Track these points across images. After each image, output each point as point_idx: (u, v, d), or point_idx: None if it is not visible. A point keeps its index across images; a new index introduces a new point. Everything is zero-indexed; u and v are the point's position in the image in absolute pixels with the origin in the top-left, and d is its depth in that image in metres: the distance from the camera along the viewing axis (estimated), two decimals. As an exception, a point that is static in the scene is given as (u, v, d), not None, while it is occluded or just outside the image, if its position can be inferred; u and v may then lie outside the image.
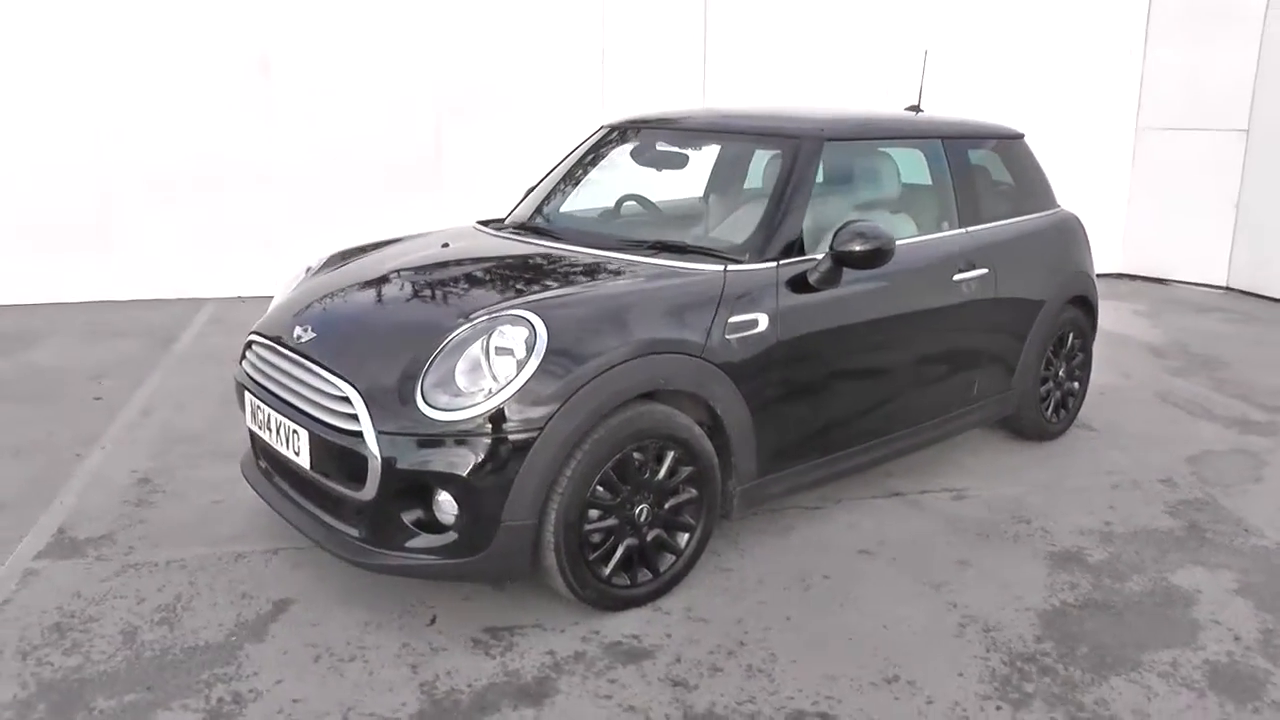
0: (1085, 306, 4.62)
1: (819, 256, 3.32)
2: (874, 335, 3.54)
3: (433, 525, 2.76)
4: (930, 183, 4.01)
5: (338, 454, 2.78)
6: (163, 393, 5.07)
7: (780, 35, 7.88)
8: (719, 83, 7.78)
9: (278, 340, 3.14)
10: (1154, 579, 3.30)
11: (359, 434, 2.71)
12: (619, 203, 4.12)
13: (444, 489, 2.69)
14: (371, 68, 7.20)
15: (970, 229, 3.99)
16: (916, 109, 4.73)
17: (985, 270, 3.94)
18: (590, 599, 2.91)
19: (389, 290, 3.27)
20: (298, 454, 2.91)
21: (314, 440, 2.83)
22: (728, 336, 3.07)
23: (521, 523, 2.71)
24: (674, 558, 3.07)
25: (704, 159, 4.42)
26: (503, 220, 4.17)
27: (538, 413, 2.67)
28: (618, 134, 4.27)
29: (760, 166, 4.07)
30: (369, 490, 2.71)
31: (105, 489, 3.89)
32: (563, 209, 4.04)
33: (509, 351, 2.72)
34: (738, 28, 7.80)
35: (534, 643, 2.83)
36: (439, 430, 2.66)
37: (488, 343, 2.74)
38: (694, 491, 3.05)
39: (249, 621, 2.93)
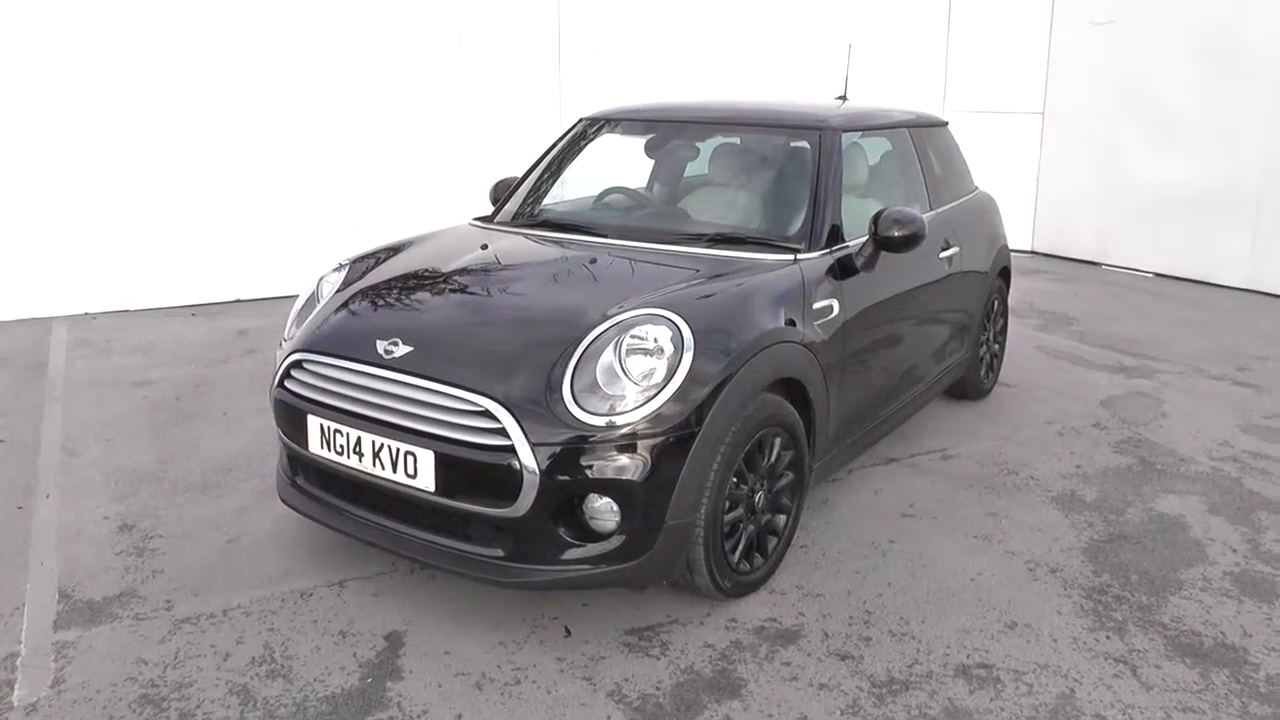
0: (1006, 276, 5.14)
1: (854, 242, 3.51)
2: (896, 310, 3.78)
3: (587, 534, 2.69)
4: (906, 168, 4.31)
5: (479, 473, 2.63)
6: (75, 428, 4.45)
7: (641, 35, 8.02)
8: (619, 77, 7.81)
9: (354, 358, 2.90)
10: (1144, 510, 3.79)
11: (507, 449, 2.58)
12: (602, 194, 4.13)
13: (607, 495, 2.62)
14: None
15: (938, 210, 4.34)
16: (843, 99, 5.02)
17: (956, 248, 4.30)
18: (726, 589, 2.94)
19: (473, 295, 3.10)
20: (413, 477, 2.71)
21: (443, 461, 2.65)
22: (814, 323, 3.19)
23: (681, 521, 2.71)
24: (775, 540, 3.16)
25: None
26: (494, 217, 4.04)
27: (696, 410, 2.67)
28: (598, 126, 4.24)
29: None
30: (521, 506, 2.59)
31: (86, 542, 3.41)
32: (594, 202, 3.99)
33: (657, 351, 2.69)
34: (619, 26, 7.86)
35: (684, 638, 2.84)
36: (599, 436, 2.60)
37: (631, 343, 2.70)
38: (792, 474, 3.16)
39: (371, 661, 2.71)
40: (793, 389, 3.12)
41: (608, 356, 2.69)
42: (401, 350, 2.82)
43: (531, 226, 3.81)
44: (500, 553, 2.70)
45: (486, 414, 2.62)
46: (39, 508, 3.68)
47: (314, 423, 2.93)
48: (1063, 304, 7.23)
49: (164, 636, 2.83)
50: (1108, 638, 2.92)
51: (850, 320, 3.40)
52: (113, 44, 6.19)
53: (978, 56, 9.43)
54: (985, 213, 4.94)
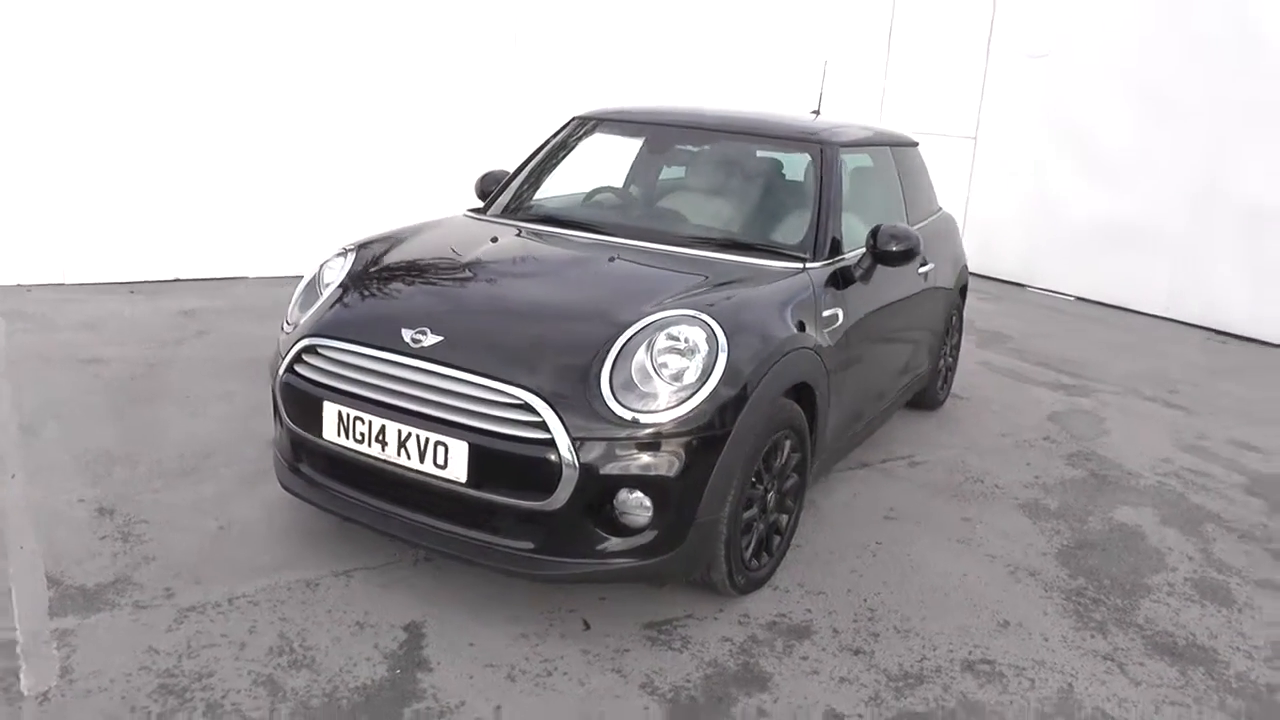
0: (964, 294, 5.36)
1: (851, 254, 3.64)
2: (885, 321, 3.92)
3: (617, 528, 2.71)
4: (889, 185, 4.46)
5: (515, 465, 2.63)
6: (29, 406, 4.23)
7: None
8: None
9: (377, 345, 2.86)
10: (1104, 520, 4.03)
11: (546, 442, 2.59)
12: (593, 192, 4.18)
13: (641, 491, 2.66)
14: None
15: (916, 227, 4.51)
16: (816, 113, 5.17)
17: (931, 265, 4.48)
18: (740, 586, 3.01)
19: (498, 288, 3.09)
20: (442, 468, 2.69)
21: (477, 453, 2.64)
22: (824, 330, 3.29)
23: (710, 518, 2.76)
24: (778, 538, 3.25)
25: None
26: (488, 209, 4.03)
27: (729, 411, 2.73)
28: (591, 126, 4.27)
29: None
30: (557, 499, 2.61)
31: (65, 526, 3.26)
32: (584, 200, 4.01)
33: (693, 351, 2.74)
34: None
35: (703, 633, 2.89)
36: (637, 432, 2.63)
37: (667, 343, 2.74)
38: (796, 476, 3.25)
39: (394, 651, 2.68)
40: (800, 393, 3.21)
41: (644, 355, 2.73)
42: (430, 340, 2.79)
43: (534, 221, 3.81)
44: (530, 545, 2.70)
45: (525, 407, 2.62)
46: (5, 488, 3.49)
47: (330, 409, 2.88)
48: (996, 322, 7.56)
49: (170, 625, 2.74)
50: (1092, 637, 3.10)
51: (852, 328, 3.52)
52: (47, 8, 5.89)
53: (915, 79, 9.79)
54: (950, 232, 5.16)
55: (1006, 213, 9.22)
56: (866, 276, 3.66)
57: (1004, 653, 2.95)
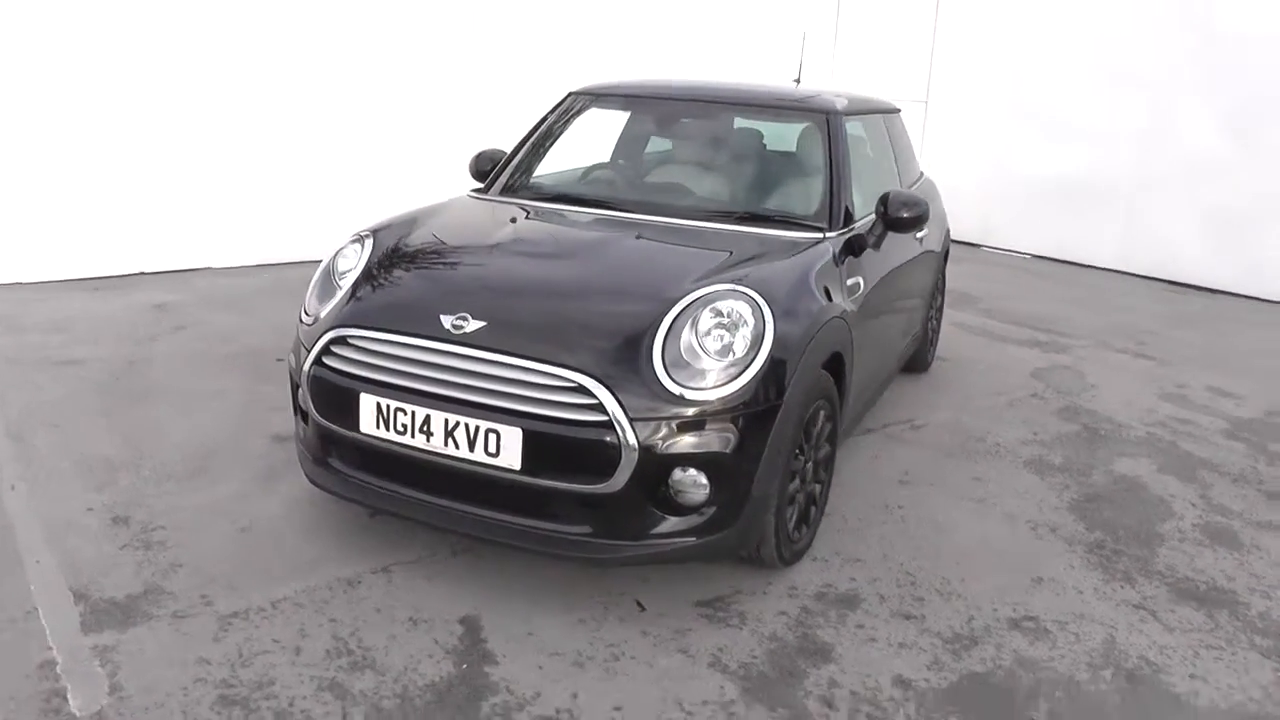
0: (947, 257, 5.44)
1: (861, 221, 3.66)
2: (893, 286, 3.96)
3: (673, 508, 2.70)
4: (883, 152, 4.49)
5: (572, 449, 2.60)
6: (13, 411, 4.05)
7: None
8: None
9: (415, 333, 2.78)
10: (1107, 472, 4.14)
11: (603, 424, 2.57)
12: (591, 168, 4.14)
13: (699, 468, 2.65)
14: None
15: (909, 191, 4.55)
16: (797, 82, 5.18)
17: (926, 229, 4.52)
18: (786, 558, 3.03)
19: (532, 269, 3.04)
20: (494, 455, 2.64)
21: (531, 439, 2.60)
22: (849, 298, 3.31)
23: (764, 492, 2.77)
24: (813, 509, 3.27)
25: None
26: (489, 189, 3.96)
27: (779, 384, 2.74)
28: (589, 101, 4.21)
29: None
30: (616, 481, 2.58)
31: (79, 536, 3.13)
32: (582, 176, 3.94)
33: (742, 325, 2.73)
34: None
35: (756, 607, 2.91)
36: (694, 409, 2.62)
37: (715, 318, 2.73)
38: (829, 446, 3.27)
39: (456, 647, 2.64)
40: (832, 362, 3.23)
41: (692, 331, 2.71)
42: (473, 325, 2.73)
43: (545, 200, 3.74)
44: (587, 529, 2.68)
45: (580, 389, 2.59)
46: (7, 499, 3.34)
47: (368, 401, 2.80)
48: (961, 283, 7.68)
49: (216, 634, 2.65)
50: (1121, 587, 3.19)
51: (870, 293, 3.54)
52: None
53: (865, 42, 9.84)
54: (934, 196, 5.20)
55: (960, 175, 9.35)
56: (878, 243, 3.69)
57: (1044, 609, 3.03)
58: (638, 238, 3.26)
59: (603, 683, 2.52)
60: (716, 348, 2.71)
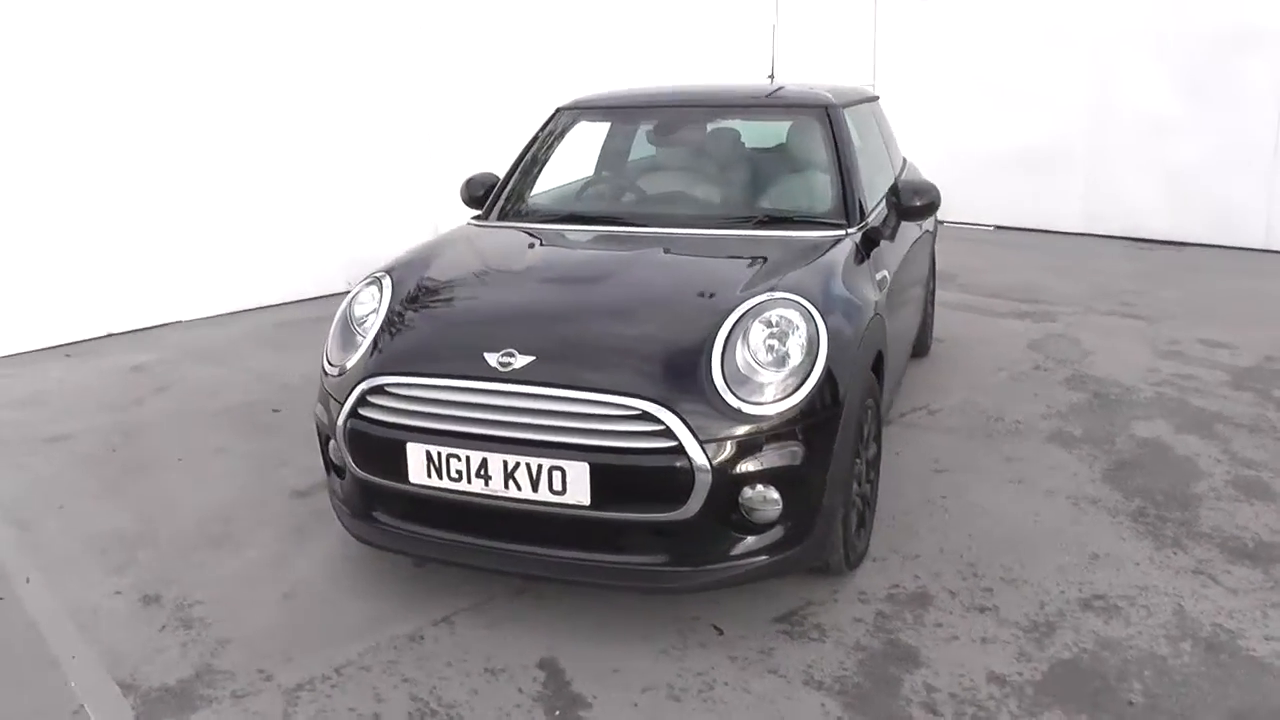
0: (935, 236, 5.46)
1: (874, 213, 3.64)
2: (907, 274, 3.96)
3: (747, 527, 2.64)
4: (873, 141, 4.47)
5: (645, 478, 2.52)
6: (8, 497, 3.85)
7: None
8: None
9: (460, 375, 2.68)
10: (1129, 438, 4.18)
11: (673, 450, 2.49)
12: (587, 183, 4.08)
13: (771, 485, 2.59)
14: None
15: (900, 178, 4.55)
16: (771, 78, 5.16)
17: (922, 212, 4.53)
18: (851, 562, 2.99)
19: (568, 296, 2.96)
20: (560, 493, 2.56)
21: (599, 472, 2.52)
22: (880, 292, 3.28)
23: (832, 501, 2.72)
24: (867, 510, 3.24)
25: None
26: (490, 214, 3.86)
27: (838, 390, 2.69)
28: (577, 115, 4.13)
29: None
30: (691, 507, 2.52)
31: (111, 623, 2.97)
32: (585, 193, 3.87)
33: (792, 333, 2.68)
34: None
35: (831, 617, 2.86)
36: (761, 425, 2.56)
37: (769, 330, 2.67)
38: (875, 445, 3.24)
39: (543, 693, 2.55)
40: (875, 360, 3.20)
41: (750, 344, 2.66)
42: (521, 361, 2.64)
43: (555, 222, 3.66)
44: (663, 559, 2.61)
45: (644, 416, 2.51)
46: (24, 594, 3.16)
47: (416, 451, 2.69)
48: (936, 260, 7.76)
49: (286, 710, 2.53)
50: (1175, 554, 3.21)
51: (892, 287, 3.52)
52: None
53: (807, 30, 9.87)
54: (919, 176, 5.22)
55: (915, 153, 9.42)
56: (893, 234, 3.68)
57: (1108, 585, 3.03)
58: (665, 252, 3.20)
59: (704, 714, 2.45)
60: (772, 359, 2.66)
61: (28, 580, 3.24)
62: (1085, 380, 4.90)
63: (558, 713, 2.47)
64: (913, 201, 3.59)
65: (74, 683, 2.70)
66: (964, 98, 8.98)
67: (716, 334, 2.66)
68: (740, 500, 2.61)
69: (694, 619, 2.86)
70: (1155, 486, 3.70)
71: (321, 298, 7.02)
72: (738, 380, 2.60)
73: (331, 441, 3.01)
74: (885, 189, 3.99)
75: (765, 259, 3.10)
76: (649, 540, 2.62)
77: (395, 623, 2.90)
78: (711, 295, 2.82)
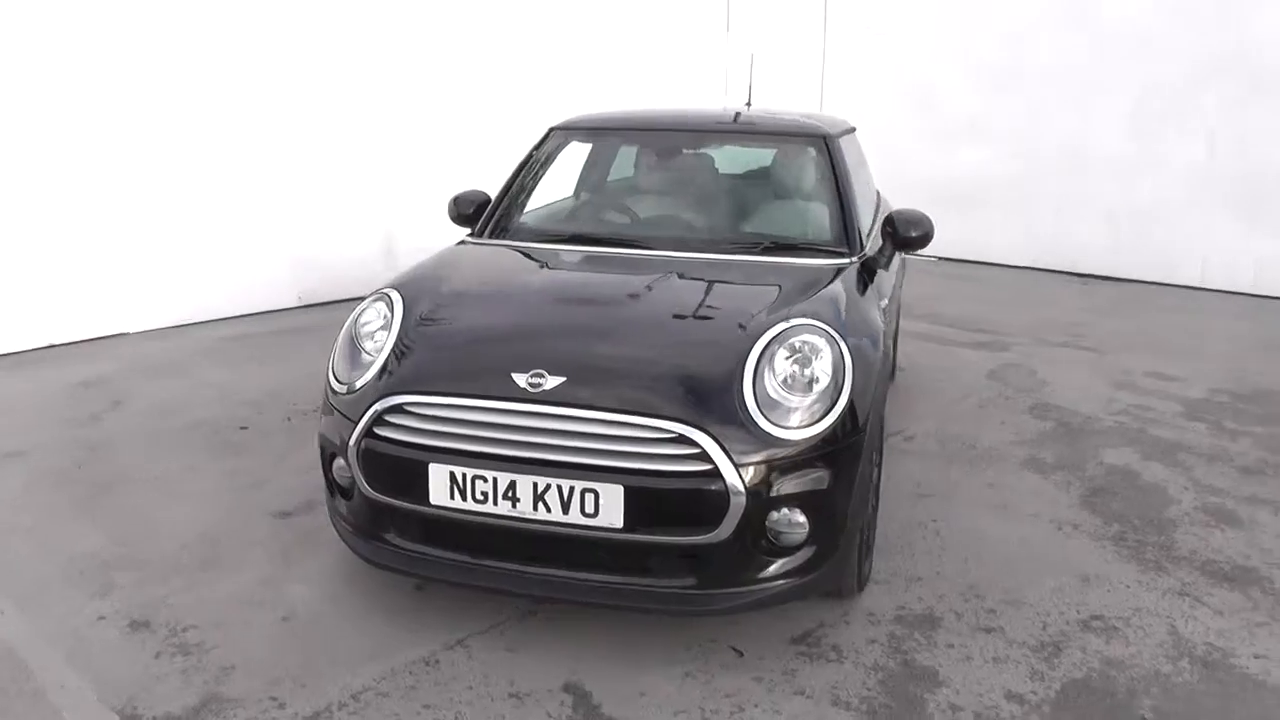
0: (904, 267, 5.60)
1: (870, 242, 3.73)
2: (895, 301, 4.05)
3: (775, 550, 2.66)
4: (860, 170, 4.57)
5: (679, 501, 2.52)
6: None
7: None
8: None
9: (487, 395, 2.65)
10: (1098, 465, 4.33)
11: (708, 473, 2.50)
12: (582, 207, 4.08)
13: (799, 507, 2.61)
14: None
15: (880, 206, 4.68)
16: (749, 105, 5.25)
17: (899, 241, 4.65)
18: (862, 583, 3.03)
19: (592, 318, 2.96)
20: (592, 516, 2.54)
21: (634, 495, 2.51)
22: (885, 318, 3.35)
23: (855, 523, 2.76)
24: (870, 532, 3.29)
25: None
26: (484, 232, 3.83)
27: (861, 413, 2.74)
28: (570, 136, 4.14)
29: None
30: (724, 530, 2.52)
31: (101, 650, 2.83)
32: (587, 215, 3.86)
33: (817, 358, 2.72)
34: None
35: (846, 638, 2.89)
36: (791, 449, 2.59)
37: (795, 355, 2.71)
38: (877, 469, 3.29)
39: (569, 717, 2.51)
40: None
41: (776, 370, 2.69)
42: (552, 381, 2.62)
43: (557, 242, 3.65)
44: (692, 581, 2.61)
45: (680, 439, 2.51)
46: (9, 617, 2.98)
47: (439, 472, 2.64)
48: (888, 290, 7.95)
49: (307, 737, 2.44)
50: (1159, 576, 3.34)
51: (891, 315, 3.61)
52: None
53: (757, 57, 10.07)
54: (889, 206, 5.36)
55: (861, 184, 9.72)
56: (887, 264, 3.76)
57: (1103, 606, 3.13)
58: (680, 276, 3.21)
59: (739, 737, 2.45)
60: (800, 384, 2.69)
61: (0, 613, 3.06)
62: (1048, 409, 5.07)
63: (592, 737, 2.44)
64: (909, 232, 3.69)
65: (66, 714, 2.56)
66: (908, 129, 9.25)
67: (747, 358, 2.68)
68: (768, 523, 2.62)
69: (711, 641, 2.86)
70: (1131, 512, 3.84)
71: (271, 312, 6.85)
72: (768, 405, 2.62)
73: (337, 461, 2.93)
74: (871, 218, 4.09)
75: (780, 285, 3.14)
76: (677, 563, 2.62)
77: (407, 646, 2.83)
78: (737, 320, 2.85)
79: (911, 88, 9.21)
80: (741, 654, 2.80)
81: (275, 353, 5.87)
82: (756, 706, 2.56)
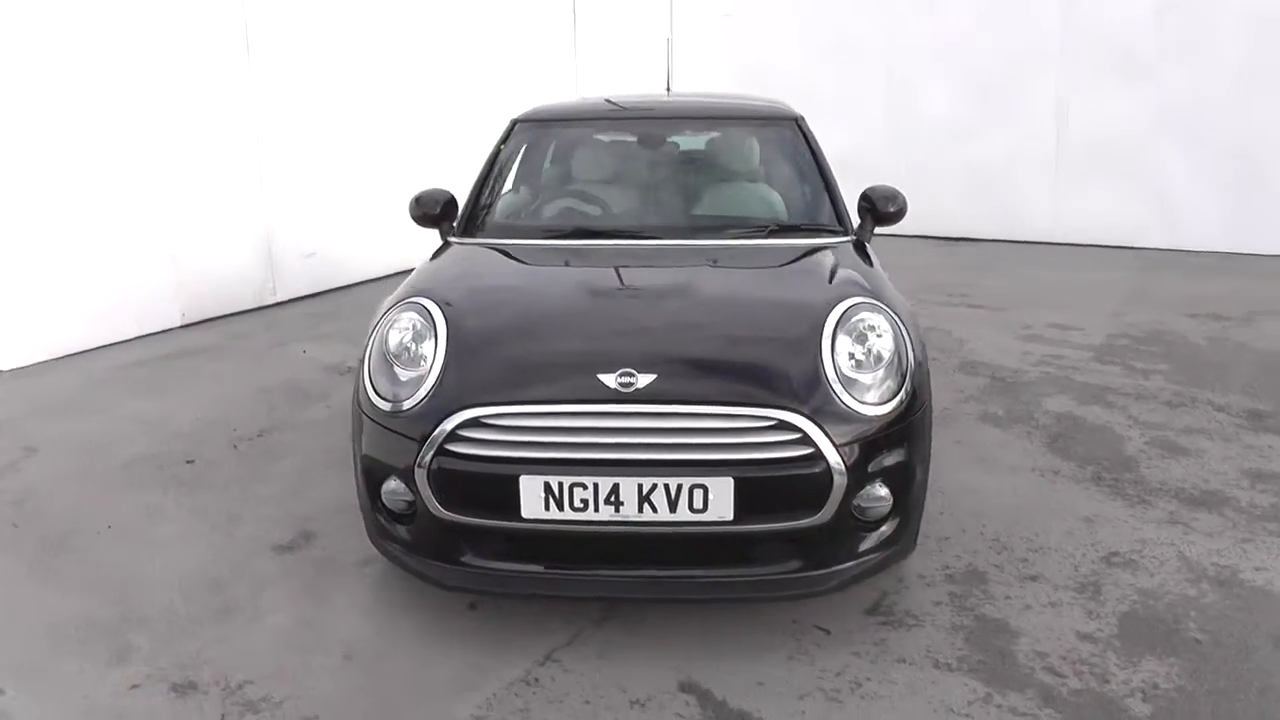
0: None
1: (854, 221, 3.85)
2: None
3: (862, 525, 2.72)
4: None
5: (786, 487, 2.53)
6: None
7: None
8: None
9: (576, 399, 2.57)
10: (1046, 414, 4.65)
11: (811, 456, 2.53)
12: (571, 201, 3.99)
13: (884, 481, 2.68)
14: None
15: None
16: (668, 91, 5.29)
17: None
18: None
19: (653, 310, 2.93)
20: (701, 511, 2.51)
21: (743, 486, 2.50)
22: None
23: (923, 493, 2.87)
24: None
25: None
26: (464, 231, 3.68)
27: (924, 385, 2.85)
28: (533, 128, 4.03)
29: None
30: (827, 511, 2.56)
31: (145, 703, 2.54)
32: (582, 208, 3.78)
33: (879, 334, 2.80)
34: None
35: (913, 602, 3.00)
36: (874, 425, 2.65)
37: (863, 331, 2.78)
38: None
39: (703, 715, 2.49)
40: None
41: (850, 348, 2.74)
42: (643, 380, 2.57)
43: (562, 237, 3.56)
44: (797, 564, 2.64)
45: (781, 425, 2.53)
46: (9, 708, 2.62)
47: (531, 484, 2.53)
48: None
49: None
50: (1147, 509, 3.65)
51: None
52: None
53: (605, 45, 10.10)
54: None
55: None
56: (870, 239, 3.88)
57: (1114, 542, 3.40)
58: (714, 263, 3.21)
59: (869, 710, 2.50)
60: (869, 361, 2.76)
61: (2, 692, 2.69)
62: (976, 366, 5.41)
63: (729, 733, 2.43)
64: (887, 208, 3.81)
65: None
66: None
67: (820, 340, 2.72)
68: (857, 500, 2.69)
69: (794, 622, 2.90)
70: (1096, 454, 4.17)
71: (157, 334, 6.29)
72: (849, 384, 2.68)
73: (387, 484, 2.76)
74: None
75: (810, 267, 3.20)
76: (781, 549, 2.64)
77: (497, 668, 2.71)
78: (798, 302, 2.89)
79: (762, 68, 9.51)
80: (829, 632, 2.86)
81: (181, 379, 5.40)
82: (870, 679, 2.63)
